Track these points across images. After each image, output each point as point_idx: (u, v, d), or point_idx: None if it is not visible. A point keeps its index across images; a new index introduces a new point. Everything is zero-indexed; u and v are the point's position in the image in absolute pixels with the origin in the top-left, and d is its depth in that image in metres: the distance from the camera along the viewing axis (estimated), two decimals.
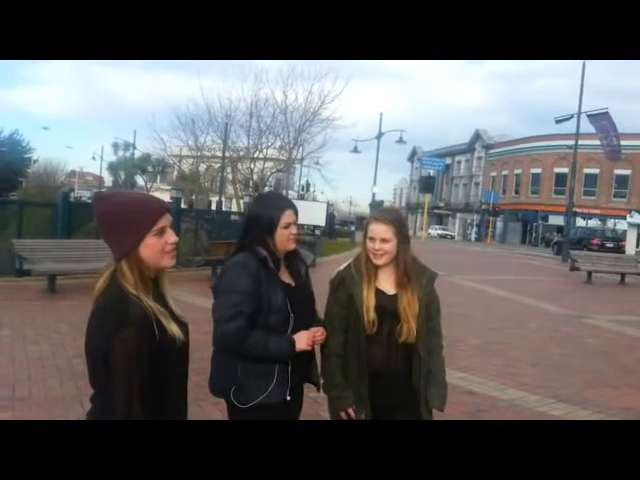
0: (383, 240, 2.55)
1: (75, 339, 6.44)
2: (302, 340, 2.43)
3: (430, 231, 61.44)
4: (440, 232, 61.79)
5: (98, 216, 1.77)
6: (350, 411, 2.54)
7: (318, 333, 2.50)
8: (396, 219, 2.63)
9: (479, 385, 5.82)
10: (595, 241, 33.43)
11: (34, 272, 9.23)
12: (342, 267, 2.67)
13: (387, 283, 2.62)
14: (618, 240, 35.43)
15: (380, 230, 2.56)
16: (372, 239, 2.57)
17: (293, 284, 2.55)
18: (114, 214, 1.74)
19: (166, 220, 1.77)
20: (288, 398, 2.45)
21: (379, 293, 2.58)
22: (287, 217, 2.49)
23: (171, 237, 1.77)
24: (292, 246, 2.54)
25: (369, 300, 2.54)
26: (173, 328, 1.74)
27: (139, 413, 1.62)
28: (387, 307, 2.57)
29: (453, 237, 60.59)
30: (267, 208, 2.51)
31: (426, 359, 2.62)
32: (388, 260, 2.58)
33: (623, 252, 29.77)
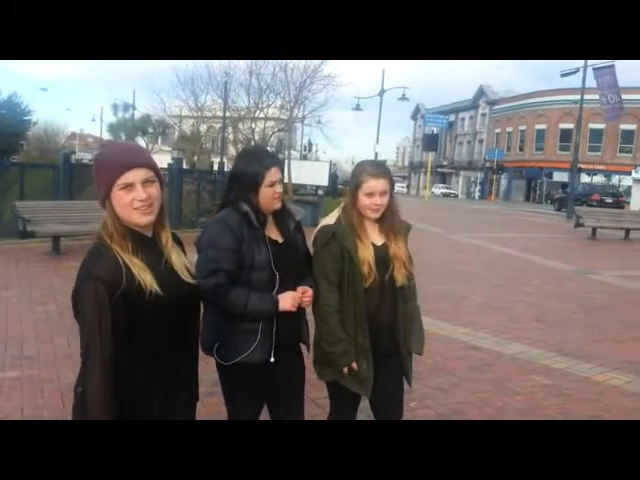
0: (383, 194, 2.54)
1: None
2: (287, 300, 2.35)
3: (433, 190, 60.98)
4: (444, 191, 61.16)
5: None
6: (353, 365, 2.54)
7: (307, 294, 2.42)
8: (388, 170, 2.65)
9: (483, 340, 5.87)
10: (594, 197, 33.24)
11: (38, 234, 9.23)
12: (327, 222, 2.59)
13: (374, 234, 2.63)
14: (618, 196, 35.23)
15: (380, 184, 2.53)
16: (371, 195, 2.53)
17: (280, 241, 2.47)
18: (95, 164, 1.85)
19: (134, 176, 1.76)
20: (272, 360, 2.39)
21: (372, 245, 2.59)
22: (272, 175, 2.37)
23: (139, 194, 1.76)
24: (277, 205, 2.43)
25: (367, 254, 2.53)
26: (146, 279, 1.75)
27: (100, 353, 1.69)
28: (380, 258, 2.58)
29: (457, 195, 60.10)
30: (251, 164, 2.39)
31: (408, 305, 2.68)
32: (382, 212, 2.58)
33: (622, 207, 29.78)
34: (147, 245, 1.83)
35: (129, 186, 1.75)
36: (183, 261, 1.93)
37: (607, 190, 36.70)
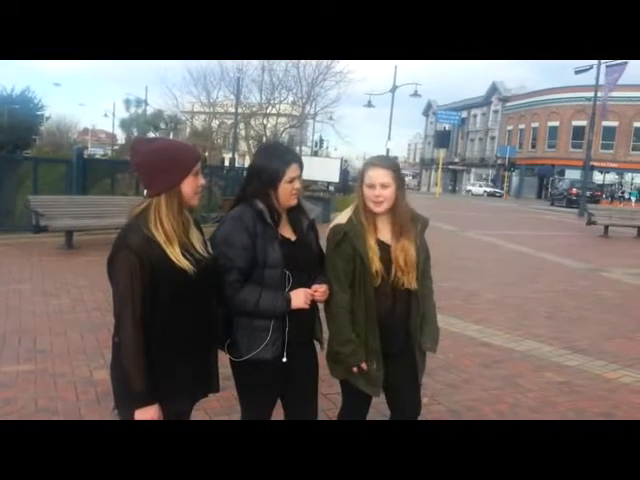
0: (383, 186, 2.49)
1: (94, 293, 6.53)
2: (299, 298, 2.35)
3: (471, 188, 58.52)
4: (488, 189, 55.87)
5: (145, 155, 2.02)
6: (362, 365, 2.53)
7: (321, 290, 2.42)
8: (393, 163, 2.59)
9: (494, 337, 5.85)
10: (573, 191, 37.65)
11: (51, 228, 9.29)
12: (340, 221, 2.56)
13: (386, 232, 2.58)
14: (594, 190, 39.28)
15: (379, 175, 2.50)
16: (371, 186, 2.50)
17: (293, 239, 2.46)
18: (164, 152, 2.02)
19: (199, 165, 2.11)
20: (284, 360, 2.39)
21: (380, 243, 2.54)
22: (292, 171, 2.37)
23: (201, 180, 2.12)
24: (294, 202, 2.43)
25: (373, 251, 2.50)
26: (175, 253, 2.00)
27: (132, 311, 1.95)
28: (389, 257, 2.54)
29: (502, 195, 54.24)
30: (272, 160, 2.38)
31: (421, 303, 2.64)
32: (388, 207, 2.53)
33: (598, 202, 34.45)
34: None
35: (197, 173, 2.09)
36: (200, 238, 2.19)
37: (585, 185, 39.18)
